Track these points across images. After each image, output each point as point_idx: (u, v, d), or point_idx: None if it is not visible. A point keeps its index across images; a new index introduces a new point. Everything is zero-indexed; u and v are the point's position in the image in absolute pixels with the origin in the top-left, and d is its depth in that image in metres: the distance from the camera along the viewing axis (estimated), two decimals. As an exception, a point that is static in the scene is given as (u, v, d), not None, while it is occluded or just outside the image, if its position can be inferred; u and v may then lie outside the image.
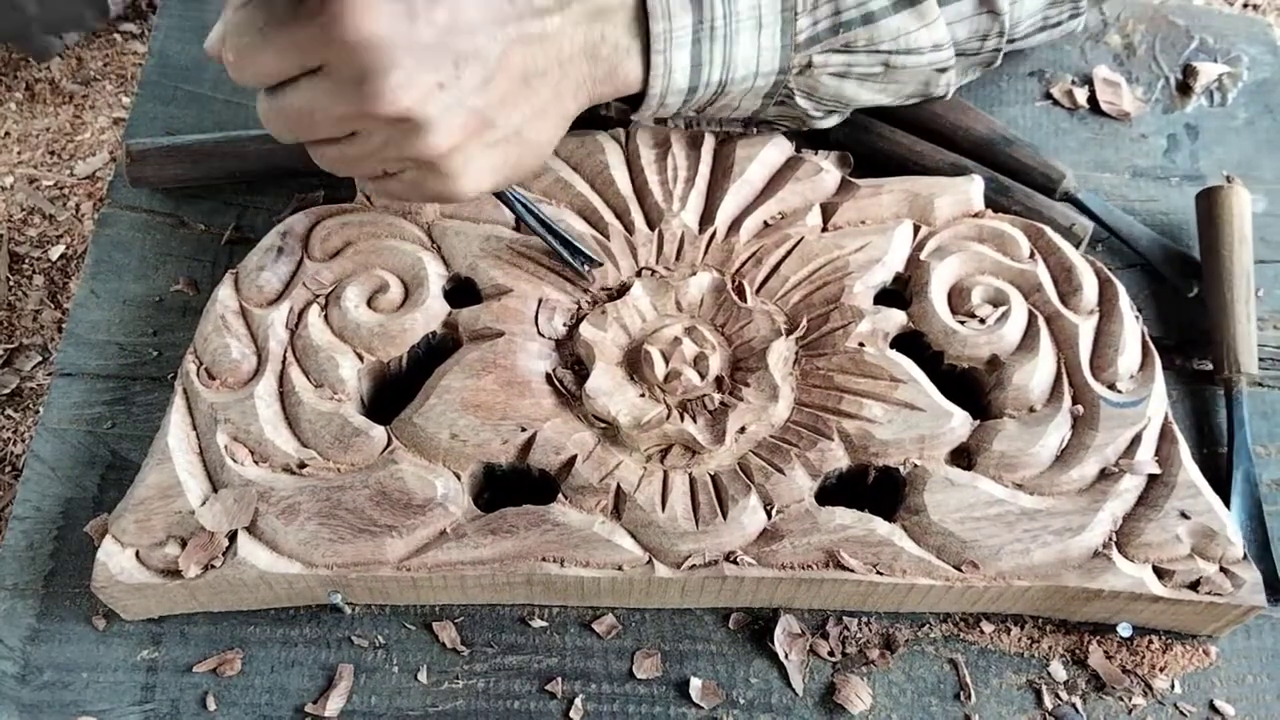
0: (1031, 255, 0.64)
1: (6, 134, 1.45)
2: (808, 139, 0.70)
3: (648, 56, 0.54)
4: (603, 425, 0.57)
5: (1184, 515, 0.56)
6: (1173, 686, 0.58)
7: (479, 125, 0.50)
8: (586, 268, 0.61)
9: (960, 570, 0.55)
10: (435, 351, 0.61)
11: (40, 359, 1.29)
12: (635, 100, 0.58)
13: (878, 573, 0.55)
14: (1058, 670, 0.58)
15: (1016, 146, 0.70)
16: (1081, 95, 0.77)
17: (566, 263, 0.61)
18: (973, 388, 0.61)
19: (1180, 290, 0.69)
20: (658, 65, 0.54)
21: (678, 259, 0.63)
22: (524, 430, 0.57)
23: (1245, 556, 0.56)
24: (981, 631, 0.59)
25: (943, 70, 0.60)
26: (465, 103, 0.48)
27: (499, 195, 0.60)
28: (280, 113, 0.48)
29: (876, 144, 0.70)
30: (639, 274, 0.62)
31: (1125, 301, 0.62)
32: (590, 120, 0.68)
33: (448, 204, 0.54)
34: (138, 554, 0.55)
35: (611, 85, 0.55)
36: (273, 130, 0.50)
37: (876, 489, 0.59)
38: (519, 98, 0.51)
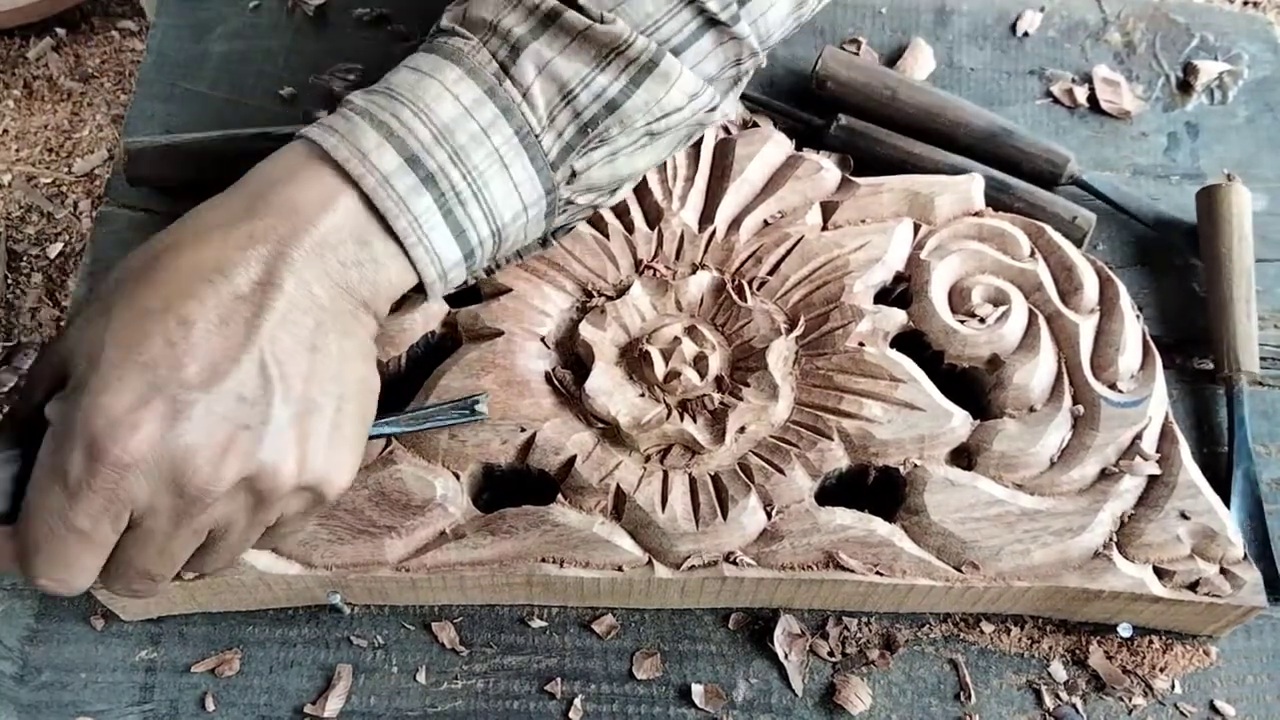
0: (1032, 254, 0.64)
1: (4, 131, 1.45)
2: (807, 142, 0.69)
3: (398, 250, 0.49)
4: (602, 425, 0.57)
5: (1184, 515, 0.56)
6: (1173, 687, 0.58)
7: (307, 422, 0.45)
8: (477, 408, 0.55)
9: (960, 571, 0.55)
10: (434, 351, 0.61)
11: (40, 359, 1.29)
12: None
13: (877, 573, 0.55)
14: (1058, 670, 0.58)
15: (1017, 136, 0.70)
16: (1081, 93, 0.76)
17: (461, 420, 0.56)
18: (973, 387, 0.61)
19: (1189, 263, 0.70)
20: (419, 256, 0.49)
21: (677, 258, 0.63)
22: (523, 430, 0.57)
23: (1245, 557, 0.56)
24: (981, 632, 0.59)
25: (711, 109, 0.56)
26: (278, 420, 0.44)
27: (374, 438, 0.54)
28: (133, 577, 0.45)
29: (875, 149, 0.70)
30: (638, 273, 0.62)
31: (1126, 300, 0.62)
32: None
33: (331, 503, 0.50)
34: (136, 554, 0.55)
35: (386, 293, 0.50)
36: (136, 595, 0.47)
37: (876, 489, 0.59)
38: (316, 368, 0.46)
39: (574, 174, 0.53)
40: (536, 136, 0.51)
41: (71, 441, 0.41)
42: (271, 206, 0.46)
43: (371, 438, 0.51)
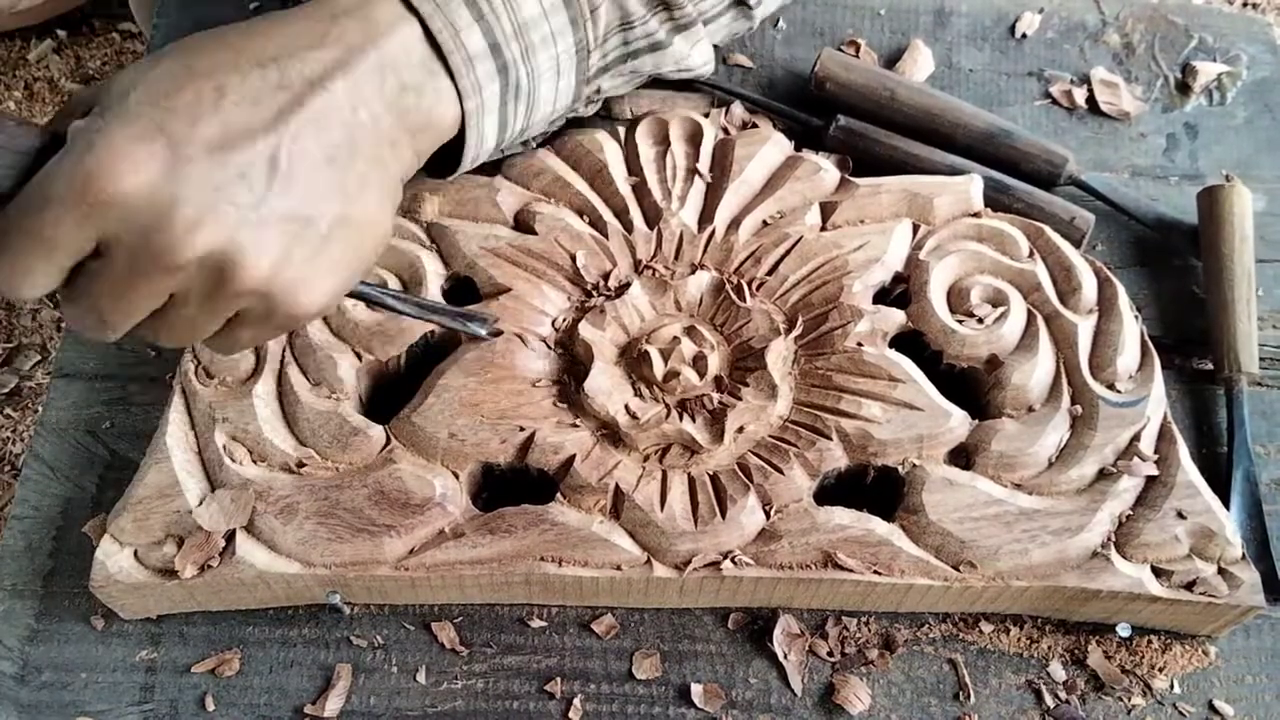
0: (1030, 254, 0.64)
1: (5, 133, 1.45)
2: (806, 143, 0.70)
3: (457, 94, 0.51)
4: (601, 425, 0.57)
5: (1182, 515, 0.56)
6: (1172, 686, 0.58)
7: (296, 228, 0.44)
8: (485, 331, 0.57)
9: (958, 570, 0.55)
10: (434, 350, 0.61)
11: (39, 358, 1.29)
12: (437, 165, 0.54)
13: (876, 572, 0.55)
14: (1057, 670, 0.58)
15: (1015, 136, 0.70)
16: (1080, 95, 0.76)
17: (466, 332, 0.57)
18: (972, 387, 0.61)
19: (1188, 261, 0.70)
20: (471, 140, 0.51)
21: (676, 258, 0.63)
22: (522, 429, 0.57)
23: (1244, 557, 0.56)
24: (980, 631, 0.59)
25: (701, 73, 0.65)
26: (269, 213, 0.43)
27: (361, 297, 0.54)
28: (86, 310, 0.44)
29: (874, 149, 0.70)
30: (638, 273, 0.62)
31: (1124, 301, 0.62)
32: (588, 118, 0.68)
33: (306, 324, 0.48)
34: (136, 553, 0.55)
35: (431, 135, 0.51)
36: (88, 333, 0.45)
37: (875, 489, 0.59)
38: (328, 182, 0.45)
39: (598, 91, 0.58)
40: (588, 53, 0.55)
41: (72, 158, 0.41)
42: (353, 21, 0.47)
43: (362, 293, 0.51)
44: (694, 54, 0.61)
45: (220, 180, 0.42)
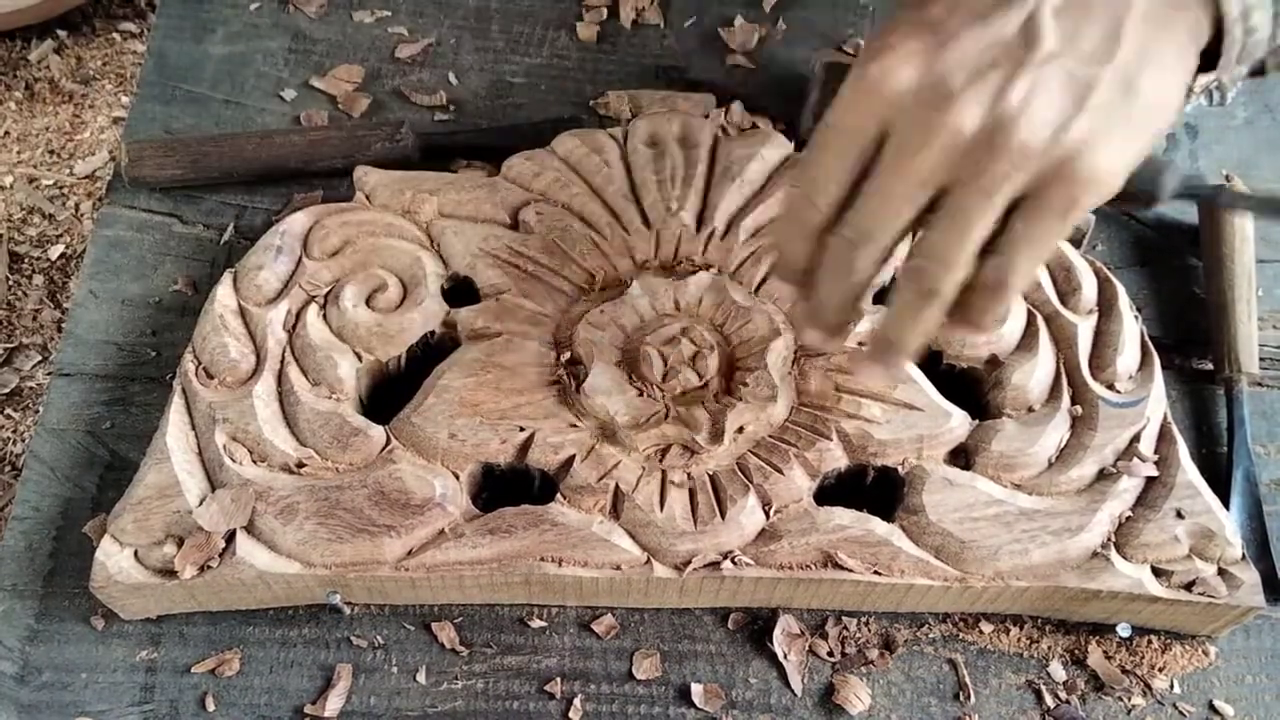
0: (1031, 255, 0.64)
1: (6, 133, 1.45)
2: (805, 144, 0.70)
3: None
4: (601, 425, 0.57)
5: (1181, 515, 0.56)
6: (1172, 686, 0.58)
7: (1073, 91, 0.42)
8: None
9: (958, 570, 0.55)
10: (433, 351, 0.61)
11: (39, 358, 1.29)
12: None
13: (876, 573, 0.55)
14: (1057, 670, 0.58)
15: None
16: (1081, 94, 0.76)
17: None
18: (971, 387, 0.61)
19: (1188, 261, 0.70)
20: (1232, 9, 0.46)
21: (676, 258, 0.63)
22: (522, 430, 0.57)
23: (1244, 557, 0.56)
24: (980, 631, 0.59)
25: None
26: (1038, 77, 0.41)
27: None
28: (862, 218, 0.44)
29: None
30: (637, 273, 0.62)
31: (1124, 301, 0.62)
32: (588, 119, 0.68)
33: (1095, 203, 0.44)
34: (136, 554, 0.55)
35: (1198, 33, 0.46)
36: (859, 252, 0.44)
37: (875, 489, 0.59)
38: (1098, 44, 0.43)
39: None
40: None
41: (856, 66, 0.43)
42: None
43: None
44: None
45: (981, 51, 0.42)
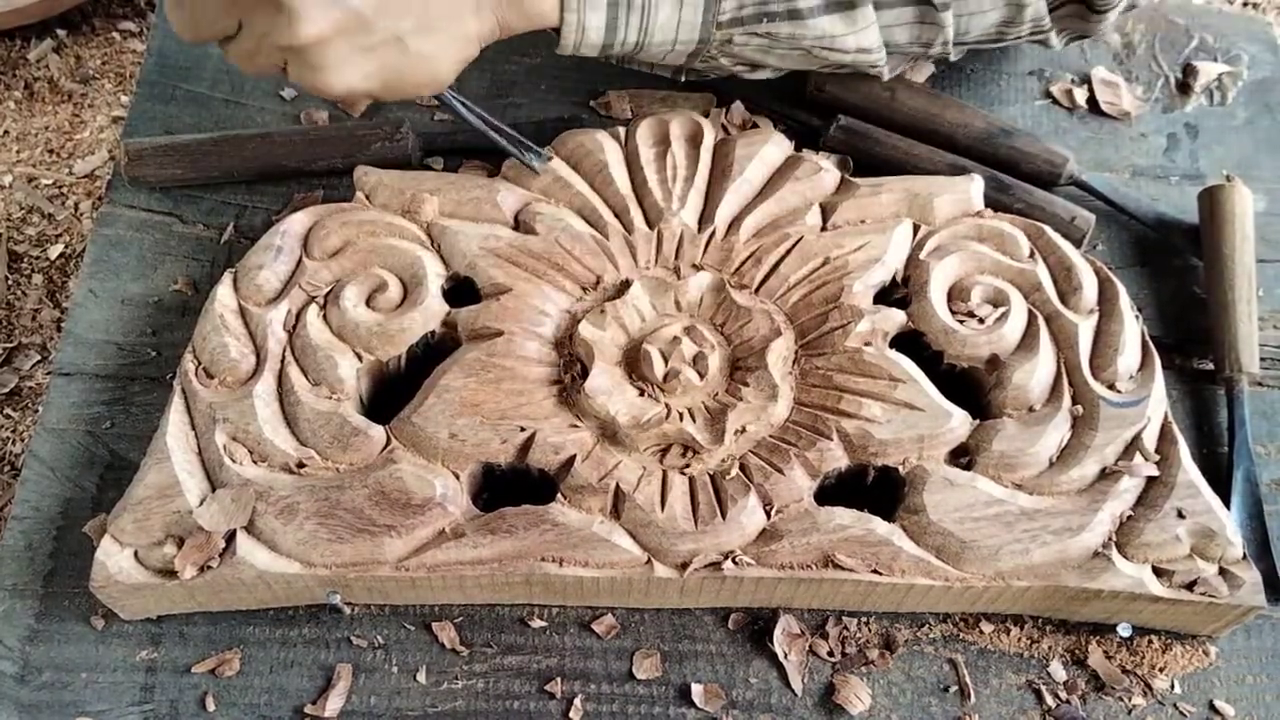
0: (1031, 254, 0.64)
1: (5, 133, 1.45)
2: (807, 144, 0.70)
3: (562, 10, 0.55)
4: (602, 425, 0.57)
5: (1182, 515, 0.56)
6: (1172, 686, 0.58)
7: (352, 25, 0.51)
8: (536, 163, 0.63)
9: (959, 570, 0.55)
10: (434, 351, 0.61)
11: (39, 358, 1.29)
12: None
13: (876, 572, 0.55)
14: (1057, 670, 0.58)
15: (1016, 136, 0.71)
16: (1081, 95, 0.77)
17: (517, 159, 0.63)
18: (972, 387, 0.61)
19: (1188, 261, 0.70)
20: (570, 23, 0.55)
21: (677, 258, 0.63)
22: (523, 430, 0.57)
23: (1245, 557, 0.56)
24: (981, 631, 0.59)
25: (873, 67, 0.62)
26: (338, 5, 0.50)
27: (438, 98, 0.60)
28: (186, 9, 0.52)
29: (874, 150, 0.70)
30: (638, 273, 0.62)
31: (1125, 301, 0.62)
32: (590, 118, 0.68)
33: (325, 96, 0.55)
34: (136, 554, 0.55)
35: (522, 15, 0.55)
36: (177, 26, 0.53)
37: (876, 489, 0.59)
38: (405, 6, 0.51)
39: (730, 42, 0.58)
40: None
41: None
42: None
43: (440, 96, 0.59)
44: (848, 39, 0.58)
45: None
